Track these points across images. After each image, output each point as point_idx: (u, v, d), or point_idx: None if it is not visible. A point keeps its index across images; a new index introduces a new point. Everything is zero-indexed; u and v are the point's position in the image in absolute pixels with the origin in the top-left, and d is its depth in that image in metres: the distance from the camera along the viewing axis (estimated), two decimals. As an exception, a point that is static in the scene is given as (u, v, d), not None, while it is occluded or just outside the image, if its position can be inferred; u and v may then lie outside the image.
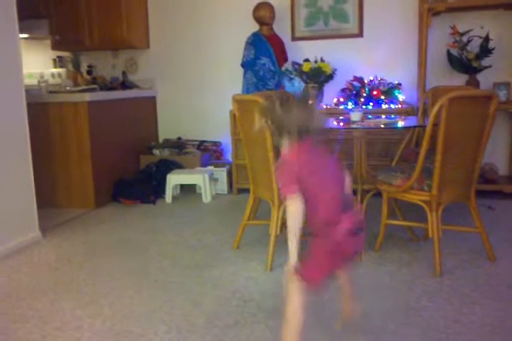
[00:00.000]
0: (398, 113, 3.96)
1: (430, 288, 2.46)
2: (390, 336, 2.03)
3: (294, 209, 1.65)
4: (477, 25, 4.12)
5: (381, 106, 4.17)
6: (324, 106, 4.34)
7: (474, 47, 4.08)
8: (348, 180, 1.79)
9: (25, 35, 4.85)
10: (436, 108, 2.46)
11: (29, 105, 3.39)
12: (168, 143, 4.88)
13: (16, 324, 2.24)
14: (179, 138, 5.00)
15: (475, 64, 4.03)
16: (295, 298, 1.73)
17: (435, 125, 2.51)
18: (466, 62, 4.09)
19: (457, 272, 2.64)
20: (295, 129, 1.68)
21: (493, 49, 4.04)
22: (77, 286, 2.63)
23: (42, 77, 5.24)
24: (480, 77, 4.11)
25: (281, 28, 4.58)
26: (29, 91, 3.61)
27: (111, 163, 4.36)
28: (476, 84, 4.08)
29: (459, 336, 2.01)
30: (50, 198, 4.10)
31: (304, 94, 1.80)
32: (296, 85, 4.44)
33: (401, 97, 4.25)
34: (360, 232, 1.69)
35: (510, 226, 3.37)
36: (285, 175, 1.68)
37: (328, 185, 1.70)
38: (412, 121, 3.47)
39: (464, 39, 4.09)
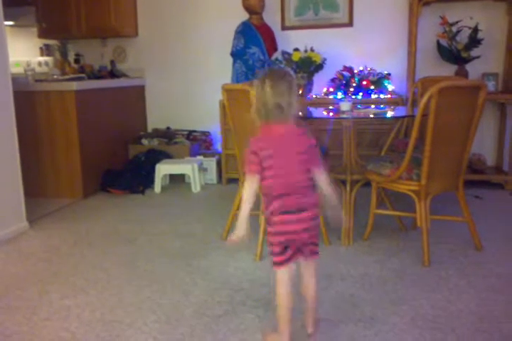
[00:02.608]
0: (387, 103, 3.96)
1: (418, 277, 2.48)
2: (379, 325, 2.04)
3: (247, 186, 1.78)
4: (466, 16, 4.12)
5: (370, 96, 4.17)
6: (314, 96, 4.33)
7: (463, 37, 4.08)
8: (319, 171, 1.81)
9: (11, 23, 4.78)
10: (425, 98, 2.47)
11: (16, 94, 3.34)
12: (157, 133, 4.84)
13: (3, 315, 2.22)
14: (168, 128, 4.97)
15: (464, 54, 4.04)
16: (278, 283, 1.83)
17: (424, 115, 2.51)
18: (455, 53, 4.09)
19: (445, 261, 2.66)
20: (260, 110, 1.78)
21: (482, 39, 4.05)
22: (65, 276, 2.61)
23: (29, 65, 5.16)
24: (469, 67, 4.12)
25: (271, 17, 4.55)
26: (16, 79, 3.55)
27: (99, 153, 4.33)
28: (465, 74, 4.09)
29: (448, 324, 2.03)
30: (38, 188, 4.06)
31: (263, 73, 1.84)
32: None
33: (390, 87, 4.25)
34: (299, 213, 1.76)
35: (498, 216, 3.40)
36: (247, 155, 1.79)
37: (282, 170, 1.77)
38: (401, 111, 3.47)
39: (454, 29, 4.09)
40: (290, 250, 1.81)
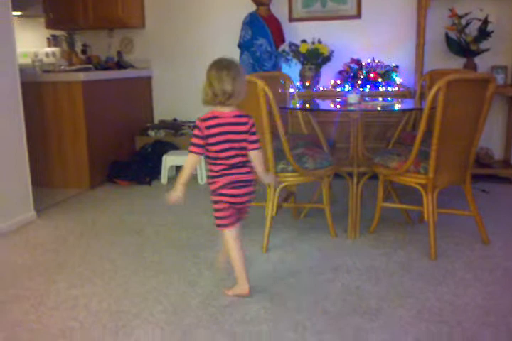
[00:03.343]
0: (395, 96, 3.94)
1: (425, 270, 2.48)
2: (385, 317, 2.05)
3: (188, 160, 2.17)
4: (476, 8, 4.08)
5: (378, 88, 4.15)
6: (321, 88, 4.31)
7: (473, 30, 4.05)
8: (255, 153, 2.16)
9: (19, 13, 4.77)
10: (433, 91, 2.45)
11: (23, 84, 3.35)
12: (163, 124, 4.84)
13: (11, 304, 2.24)
14: (175, 120, 4.96)
15: (473, 47, 4.01)
16: (226, 239, 2.23)
17: (432, 108, 2.50)
18: (464, 45, 4.06)
19: (452, 255, 2.66)
20: (208, 94, 2.10)
21: (492, 32, 4.02)
22: (72, 266, 2.63)
23: (36, 56, 5.16)
24: (478, 60, 4.09)
25: (279, 9, 4.52)
26: (23, 70, 3.56)
27: (106, 144, 4.34)
28: (474, 67, 4.06)
29: (454, 318, 2.03)
30: (45, 178, 4.08)
31: (211, 63, 2.14)
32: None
33: (398, 80, 4.23)
34: (242, 188, 2.15)
35: (505, 210, 3.39)
36: (193, 135, 2.14)
37: (222, 146, 2.11)
38: (409, 103, 3.45)
39: (463, 22, 4.05)
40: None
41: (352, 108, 3.02)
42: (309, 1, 4.57)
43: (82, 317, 2.10)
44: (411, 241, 2.87)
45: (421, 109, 2.81)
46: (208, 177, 2.20)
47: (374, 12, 4.42)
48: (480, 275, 2.41)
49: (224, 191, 2.15)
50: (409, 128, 3.49)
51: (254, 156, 2.17)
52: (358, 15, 4.48)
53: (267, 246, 2.77)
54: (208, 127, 2.10)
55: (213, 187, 2.17)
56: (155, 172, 4.36)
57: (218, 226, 2.21)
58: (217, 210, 2.19)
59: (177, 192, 2.16)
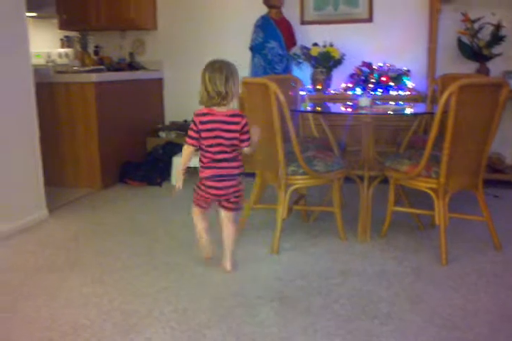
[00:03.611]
0: (406, 100, 3.94)
1: (436, 275, 2.47)
2: (396, 322, 2.04)
3: (183, 152, 2.43)
4: (489, 12, 4.07)
5: (389, 92, 4.14)
6: (332, 92, 4.31)
7: (485, 34, 4.03)
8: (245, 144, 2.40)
9: (33, 14, 4.81)
10: (445, 95, 2.45)
11: (36, 85, 3.38)
12: (174, 126, 4.86)
13: (24, 301, 2.26)
14: (185, 121, 4.98)
15: (486, 52, 3.99)
16: (193, 212, 2.56)
17: (444, 112, 2.49)
18: (476, 50, 4.05)
19: (463, 260, 2.64)
20: (203, 94, 2.31)
21: (505, 37, 4.00)
22: (83, 265, 2.65)
23: (49, 56, 5.20)
24: (490, 65, 4.07)
25: (290, 12, 4.53)
26: (37, 70, 3.59)
27: (118, 145, 4.36)
28: (487, 72, 4.04)
29: (465, 323, 2.02)
30: (58, 178, 4.10)
31: (205, 65, 2.32)
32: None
33: (410, 84, 4.22)
34: (221, 181, 2.38)
35: (516, 216, 3.37)
36: (189, 128, 2.35)
37: (210, 141, 2.33)
38: (421, 108, 3.45)
39: (476, 26, 4.04)
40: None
41: (363, 111, 3.02)
42: (321, 4, 4.58)
43: (93, 316, 2.12)
44: (422, 245, 2.86)
45: (432, 114, 2.81)
46: (200, 166, 2.44)
47: (386, 16, 4.42)
48: (492, 280, 2.40)
49: (206, 182, 2.41)
50: (421, 133, 3.48)
51: (247, 149, 2.43)
52: (370, 19, 4.47)
53: (278, 248, 2.77)
54: (202, 122, 2.32)
55: (200, 175, 2.43)
56: (165, 173, 4.38)
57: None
58: (198, 193, 2.48)
59: (178, 183, 2.47)
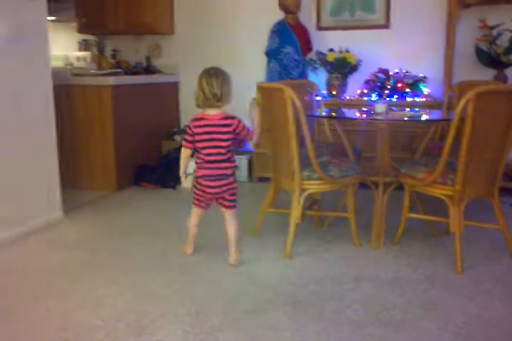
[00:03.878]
0: (423, 106, 3.92)
1: (451, 283, 2.45)
2: (409, 329, 2.03)
3: (182, 153, 2.64)
4: (508, 19, 4.04)
5: (405, 99, 4.13)
6: (348, 97, 4.31)
7: (504, 41, 4.01)
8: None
9: (53, 18, 4.87)
10: (462, 102, 2.43)
11: (54, 87, 3.42)
12: (189, 130, 4.88)
13: (38, 302, 2.28)
14: (200, 125, 5.00)
15: (504, 59, 3.97)
16: (191, 212, 2.77)
17: (461, 119, 2.48)
18: (494, 57, 4.02)
19: (478, 268, 2.62)
20: (199, 97, 2.53)
21: (523, 44, 3.97)
22: (98, 266, 2.67)
23: (67, 59, 5.27)
24: (508, 72, 4.04)
25: (307, 17, 4.54)
26: (55, 73, 3.63)
27: (133, 148, 4.39)
28: (504, 79, 4.02)
29: (480, 331, 2.00)
30: (73, 179, 4.13)
31: (202, 71, 2.56)
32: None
33: (426, 91, 4.21)
34: (215, 181, 2.58)
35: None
36: (187, 133, 2.58)
37: (203, 144, 2.53)
38: (437, 114, 3.43)
39: (494, 33, 4.02)
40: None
41: (379, 117, 3.02)
42: (338, 10, 4.58)
43: (107, 316, 2.13)
44: (436, 253, 2.84)
45: (448, 120, 2.79)
46: (196, 166, 2.64)
47: (403, 22, 4.41)
48: (507, 289, 2.38)
49: (202, 181, 2.60)
50: (437, 140, 3.46)
51: (252, 142, 2.68)
52: (387, 25, 4.47)
53: (291, 253, 2.77)
54: (196, 126, 2.54)
55: (197, 174, 2.62)
56: (179, 176, 4.38)
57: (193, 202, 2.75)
58: (195, 192, 2.68)
59: (186, 183, 2.68)
